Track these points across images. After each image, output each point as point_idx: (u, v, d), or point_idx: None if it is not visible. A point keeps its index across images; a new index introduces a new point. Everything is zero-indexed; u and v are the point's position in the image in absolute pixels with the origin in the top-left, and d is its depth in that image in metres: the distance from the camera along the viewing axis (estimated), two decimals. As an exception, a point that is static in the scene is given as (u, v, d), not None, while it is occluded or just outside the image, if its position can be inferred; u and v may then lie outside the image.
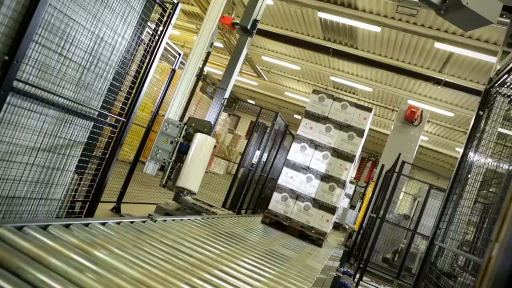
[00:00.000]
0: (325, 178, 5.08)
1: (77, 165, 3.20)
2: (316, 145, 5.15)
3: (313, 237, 4.89)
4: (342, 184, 5.01)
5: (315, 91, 5.38)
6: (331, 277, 3.15)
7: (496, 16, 3.59)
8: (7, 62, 2.21)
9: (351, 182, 13.64)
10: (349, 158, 5.06)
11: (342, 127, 5.15)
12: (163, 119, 4.35)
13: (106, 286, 1.52)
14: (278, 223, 5.05)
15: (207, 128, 4.26)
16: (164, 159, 4.20)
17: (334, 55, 10.32)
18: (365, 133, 5.18)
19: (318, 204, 4.99)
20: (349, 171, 5.04)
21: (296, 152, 5.24)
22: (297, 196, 5.08)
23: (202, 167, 4.15)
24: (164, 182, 4.22)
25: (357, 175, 21.46)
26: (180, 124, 4.28)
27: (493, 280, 1.07)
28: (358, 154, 5.20)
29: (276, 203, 5.13)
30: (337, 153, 5.09)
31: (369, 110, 5.17)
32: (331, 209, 4.95)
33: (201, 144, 4.09)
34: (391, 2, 8.32)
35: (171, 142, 4.20)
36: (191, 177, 4.06)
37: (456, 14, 3.62)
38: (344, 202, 12.37)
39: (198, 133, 4.16)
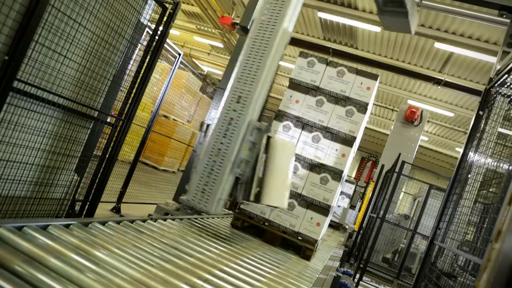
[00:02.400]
0: (316, 167, 3.90)
1: (77, 165, 3.20)
2: (303, 124, 4.03)
3: (299, 246, 3.84)
4: (338, 175, 3.84)
5: (302, 54, 4.27)
6: (331, 277, 3.15)
7: (414, 29, 4.50)
8: (7, 62, 2.22)
9: (351, 182, 13.58)
10: (347, 140, 3.91)
11: (338, 100, 4.01)
12: (247, 120, 3.06)
13: (106, 286, 1.52)
14: (253, 227, 3.97)
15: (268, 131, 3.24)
16: (241, 172, 3.05)
17: (334, 55, 10.31)
18: (369, 107, 4.10)
19: (306, 202, 3.84)
20: (348, 159, 3.93)
21: (278, 133, 4.09)
22: None
23: (288, 179, 3.35)
24: (242, 198, 3.07)
25: (357, 175, 21.46)
26: (263, 127, 3.09)
27: (493, 280, 1.07)
28: (359, 135, 4.15)
29: None
30: (332, 134, 3.95)
31: (373, 77, 4.05)
32: (323, 209, 3.79)
33: (282, 150, 3.24)
34: (391, 2, 8.31)
35: (250, 149, 3.10)
36: (279, 191, 3.20)
37: (390, 18, 4.06)
38: (344, 202, 12.34)
39: (273, 138, 3.24)
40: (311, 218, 3.81)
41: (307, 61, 4.23)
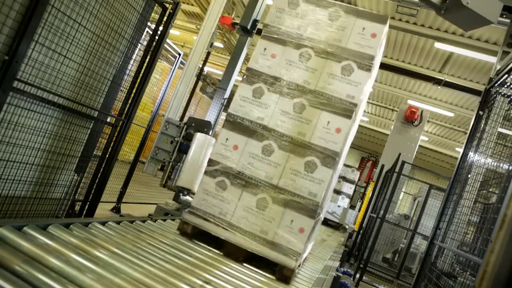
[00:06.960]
0: (299, 147, 2.66)
1: (77, 165, 3.20)
2: (281, 87, 2.79)
3: (273, 262, 2.54)
4: (330, 159, 2.59)
5: None
6: (331, 277, 3.15)
7: (497, 16, 3.47)
8: (7, 62, 2.21)
9: (351, 181, 13.45)
10: (343, 110, 2.66)
11: (330, 53, 2.77)
12: (164, 119, 4.48)
13: (106, 286, 1.52)
14: (208, 234, 2.67)
15: (207, 128, 4.31)
16: (164, 159, 4.30)
17: (334, 55, 10.30)
18: (376, 62, 2.92)
19: (284, 198, 2.60)
20: (345, 136, 2.64)
21: (245, 100, 2.81)
22: (245, 182, 2.68)
23: (202, 166, 4.18)
24: (164, 182, 4.35)
25: (357, 175, 21.44)
26: (180, 124, 4.35)
27: (492, 280, 1.07)
28: (362, 102, 2.93)
29: (206, 195, 2.72)
30: (321, 101, 2.70)
31: (381, 20, 2.78)
32: (309, 208, 2.55)
33: (201, 143, 4.11)
34: (391, 2, 8.32)
35: (171, 142, 4.31)
36: (191, 176, 4.06)
37: (456, 14, 3.66)
38: (344, 202, 12.32)
39: (198, 133, 4.20)
40: (291, 221, 2.56)
41: (287, 0, 2.95)
